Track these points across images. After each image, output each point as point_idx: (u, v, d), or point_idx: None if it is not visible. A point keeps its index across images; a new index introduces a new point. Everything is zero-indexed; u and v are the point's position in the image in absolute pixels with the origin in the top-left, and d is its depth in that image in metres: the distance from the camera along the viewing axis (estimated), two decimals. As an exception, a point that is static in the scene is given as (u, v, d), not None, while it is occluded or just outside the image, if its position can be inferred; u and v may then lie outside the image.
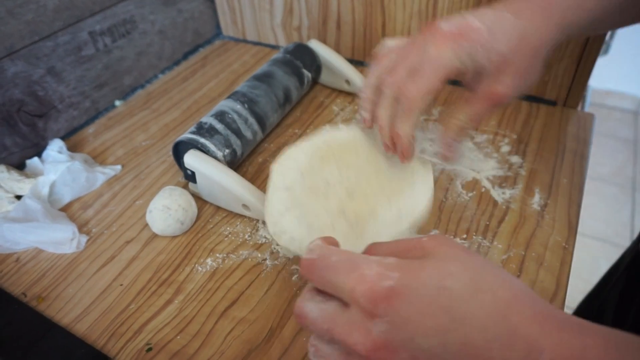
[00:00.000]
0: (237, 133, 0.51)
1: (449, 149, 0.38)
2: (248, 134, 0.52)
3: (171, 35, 0.75)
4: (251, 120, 0.52)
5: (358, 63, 0.72)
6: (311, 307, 0.26)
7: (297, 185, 0.38)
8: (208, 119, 0.50)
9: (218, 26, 0.83)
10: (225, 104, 0.53)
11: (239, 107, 0.52)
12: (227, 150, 0.49)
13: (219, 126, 0.50)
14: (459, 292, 0.23)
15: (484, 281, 0.23)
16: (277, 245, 0.45)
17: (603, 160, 1.79)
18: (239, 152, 0.51)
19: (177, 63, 0.77)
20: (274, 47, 0.79)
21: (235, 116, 0.51)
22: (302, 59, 0.61)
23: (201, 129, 0.49)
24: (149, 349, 0.38)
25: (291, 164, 0.39)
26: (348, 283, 0.24)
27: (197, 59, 0.78)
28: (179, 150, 0.50)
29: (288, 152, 0.40)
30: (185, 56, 0.79)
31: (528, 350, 0.22)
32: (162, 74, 0.75)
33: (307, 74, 0.61)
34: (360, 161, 0.40)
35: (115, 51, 0.66)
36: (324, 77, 0.66)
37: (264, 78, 0.57)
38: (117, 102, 0.69)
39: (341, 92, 0.66)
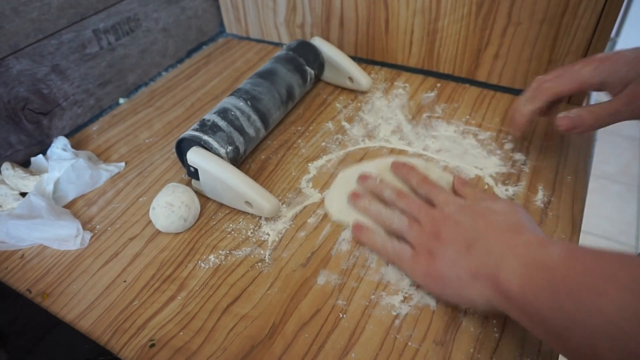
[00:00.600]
0: (240, 130, 0.51)
1: (569, 123, 0.45)
2: (251, 131, 0.52)
3: (175, 33, 0.75)
4: (254, 117, 0.52)
5: (361, 60, 0.72)
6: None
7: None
8: (211, 116, 0.50)
9: (221, 24, 0.83)
10: (228, 101, 0.53)
11: (241, 104, 0.52)
12: (230, 148, 0.49)
13: (222, 123, 0.50)
14: (462, 274, 0.37)
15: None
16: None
17: (608, 159, 1.78)
18: (241, 149, 0.51)
19: (180, 61, 0.77)
20: (277, 45, 0.79)
21: (238, 113, 0.51)
22: (305, 56, 0.61)
23: (204, 126, 0.49)
24: (152, 345, 0.38)
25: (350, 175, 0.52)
26: (409, 266, 0.41)
27: (201, 56, 0.78)
28: (181, 147, 0.50)
29: (353, 167, 0.53)
30: (189, 54, 0.79)
31: (539, 240, 0.34)
32: (165, 72, 0.75)
33: (310, 71, 0.61)
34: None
35: (119, 49, 0.66)
36: (327, 74, 0.66)
37: (267, 75, 0.57)
38: (121, 100, 0.69)
39: (344, 89, 0.66)
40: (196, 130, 0.49)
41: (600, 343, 0.26)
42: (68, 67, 0.60)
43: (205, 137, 0.48)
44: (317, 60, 0.63)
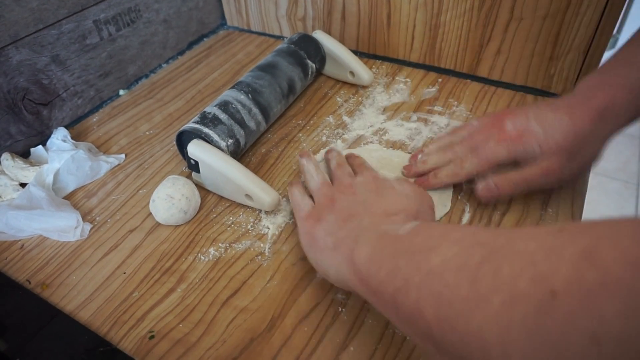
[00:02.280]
0: (241, 123, 0.50)
1: (488, 195, 0.45)
2: (251, 124, 0.52)
3: (175, 25, 0.74)
4: (255, 110, 0.52)
5: (362, 54, 0.72)
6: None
7: None
8: (212, 109, 0.50)
9: (223, 16, 0.83)
10: (229, 94, 0.53)
11: (242, 97, 0.52)
12: (230, 140, 0.49)
13: (222, 116, 0.49)
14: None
15: None
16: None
17: (607, 156, 1.77)
18: (242, 142, 0.51)
19: (181, 53, 0.77)
20: (279, 38, 0.78)
21: (239, 106, 0.51)
22: (306, 50, 0.61)
23: (205, 119, 0.49)
24: (152, 337, 0.38)
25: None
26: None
27: (202, 48, 0.77)
28: (182, 140, 0.50)
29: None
30: (190, 46, 0.78)
31: (402, 222, 0.35)
32: (166, 64, 0.74)
33: (312, 65, 0.61)
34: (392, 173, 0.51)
35: (119, 40, 0.66)
36: (328, 68, 0.66)
37: (268, 68, 0.57)
38: (122, 92, 0.69)
39: (345, 83, 0.66)
40: (197, 122, 0.49)
41: (423, 301, 0.25)
42: (68, 58, 0.60)
43: (206, 130, 0.48)
44: (318, 53, 0.62)
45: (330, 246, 0.36)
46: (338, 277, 0.35)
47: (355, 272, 0.32)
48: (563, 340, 0.18)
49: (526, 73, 0.61)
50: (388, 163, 0.52)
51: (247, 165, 0.54)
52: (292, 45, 0.61)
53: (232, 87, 0.54)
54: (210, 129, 0.48)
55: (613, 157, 1.78)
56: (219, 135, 0.48)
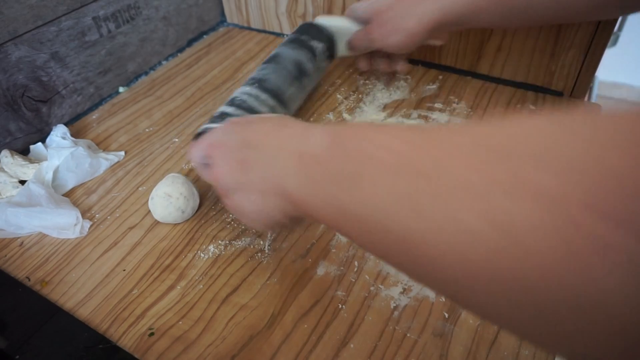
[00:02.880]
0: (251, 111, 0.49)
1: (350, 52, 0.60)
2: (264, 109, 0.50)
3: (175, 22, 0.74)
4: (264, 96, 0.51)
5: (363, 51, 0.71)
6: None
7: None
8: (220, 109, 0.49)
9: (222, 13, 0.83)
10: (235, 92, 0.52)
11: (247, 88, 0.51)
12: None
13: (229, 110, 0.48)
14: (270, 116, 0.36)
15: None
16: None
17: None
18: None
19: (181, 50, 0.77)
20: (279, 35, 0.78)
21: (245, 97, 0.50)
22: (307, 33, 0.58)
23: (214, 118, 0.48)
24: (152, 334, 0.38)
25: None
26: (212, 134, 0.38)
27: (202, 46, 0.77)
28: None
29: None
30: (190, 43, 0.78)
31: (302, 129, 0.31)
32: (165, 61, 0.74)
33: (317, 45, 0.58)
34: None
35: (119, 37, 0.66)
36: (342, 49, 0.61)
37: (271, 59, 0.56)
38: (121, 89, 0.68)
39: (346, 80, 0.66)
40: (209, 123, 0.47)
41: (368, 235, 0.24)
42: (67, 55, 0.60)
43: (214, 125, 0.46)
44: (322, 34, 0.59)
45: (259, 199, 0.32)
46: (286, 216, 0.32)
47: (293, 204, 0.30)
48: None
49: (527, 70, 0.61)
50: None
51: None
52: (293, 35, 0.60)
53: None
54: (218, 123, 0.46)
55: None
56: None
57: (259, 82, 0.52)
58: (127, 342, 0.38)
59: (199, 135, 0.46)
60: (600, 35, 0.54)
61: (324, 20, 0.60)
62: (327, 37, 0.59)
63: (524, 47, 0.59)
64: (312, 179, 0.28)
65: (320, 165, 0.27)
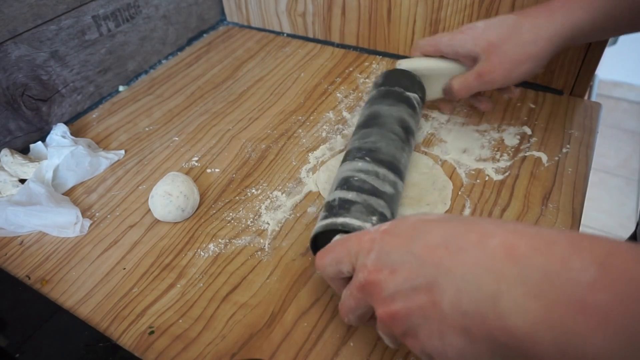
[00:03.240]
0: (375, 193, 0.40)
1: (447, 96, 0.52)
2: (387, 189, 0.41)
3: (175, 21, 0.74)
4: (382, 171, 0.41)
5: (362, 50, 0.71)
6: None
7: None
8: (334, 194, 0.40)
9: (222, 12, 0.83)
10: (343, 169, 0.43)
11: (360, 164, 0.42)
12: (374, 218, 0.38)
13: (350, 195, 0.39)
14: (431, 217, 0.29)
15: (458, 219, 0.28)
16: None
17: (609, 152, 1.78)
18: (387, 213, 0.39)
19: (181, 49, 0.77)
20: (279, 34, 0.78)
21: (362, 175, 0.41)
22: (399, 84, 0.50)
23: (332, 209, 0.39)
24: (152, 332, 0.38)
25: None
26: (354, 239, 0.31)
27: (201, 44, 0.77)
28: (318, 245, 0.38)
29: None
30: (190, 42, 0.78)
31: (481, 235, 0.25)
32: (165, 60, 0.74)
33: (414, 96, 0.50)
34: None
35: (118, 36, 0.66)
36: (434, 93, 0.54)
37: (371, 121, 0.47)
38: (121, 88, 0.68)
39: (345, 79, 0.66)
40: (325, 217, 0.39)
41: None
42: (67, 54, 0.60)
43: (342, 220, 0.37)
44: (415, 82, 0.51)
45: (456, 339, 0.24)
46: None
47: (510, 341, 0.22)
48: None
49: (527, 68, 0.61)
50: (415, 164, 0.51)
51: (246, 162, 0.54)
52: (382, 87, 0.50)
53: (344, 161, 0.44)
54: (345, 216, 0.37)
55: (614, 154, 1.77)
56: (359, 219, 0.37)
57: (370, 154, 0.43)
58: (127, 341, 0.38)
59: (315, 239, 0.39)
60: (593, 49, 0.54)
61: (409, 64, 0.52)
62: (420, 85, 0.51)
63: (524, 45, 0.59)
64: (566, 325, 0.20)
65: (589, 306, 0.20)
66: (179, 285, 0.42)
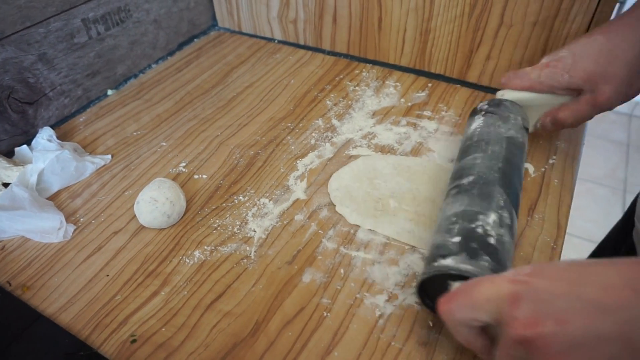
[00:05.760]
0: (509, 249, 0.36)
1: (544, 130, 0.50)
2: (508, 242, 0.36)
3: (166, 25, 0.74)
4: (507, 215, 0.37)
5: (353, 58, 0.72)
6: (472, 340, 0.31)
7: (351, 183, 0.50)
8: (487, 220, 0.36)
9: (214, 17, 0.83)
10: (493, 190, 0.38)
11: (499, 203, 0.37)
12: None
13: (502, 232, 0.35)
14: (587, 261, 0.26)
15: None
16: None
17: (596, 162, 1.80)
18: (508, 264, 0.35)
19: (171, 53, 0.76)
20: (270, 40, 0.78)
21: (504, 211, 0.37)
22: (515, 126, 0.45)
23: (469, 243, 0.34)
24: (134, 341, 0.38)
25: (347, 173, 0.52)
26: (491, 286, 0.28)
27: (192, 49, 0.77)
28: (427, 289, 0.36)
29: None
30: (180, 47, 0.78)
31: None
32: (155, 64, 0.74)
33: (525, 139, 0.46)
34: (418, 183, 0.50)
35: (108, 39, 0.65)
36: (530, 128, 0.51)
37: (507, 165, 0.41)
38: (110, 92, 0.68)
39: (335, 86, 0.66)
40: (455, 254, 0.34)
41: None
42: (55, 57, 0.59)
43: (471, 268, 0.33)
44: (525, 121, 0.48)
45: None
46: None
47: None
48: None
49: (515, 79, 0.61)
50: (405, 170, 0.51)
51: (234, 168, 0.54)
52: (504, 125, 0.45)
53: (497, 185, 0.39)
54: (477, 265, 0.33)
55: (602, 164, 1.80)
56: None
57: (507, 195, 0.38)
58: (108, 349, 0.37)
59: (436, 280, 0.34)
60: (586, 46, 0.55)
61: (512, 95, 0.49)
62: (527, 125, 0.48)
63: (513, 56, 0.60)
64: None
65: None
66: (163, 293, 0.41)
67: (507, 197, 0.38)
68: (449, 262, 0.33)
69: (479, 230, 0.35)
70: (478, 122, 0.47)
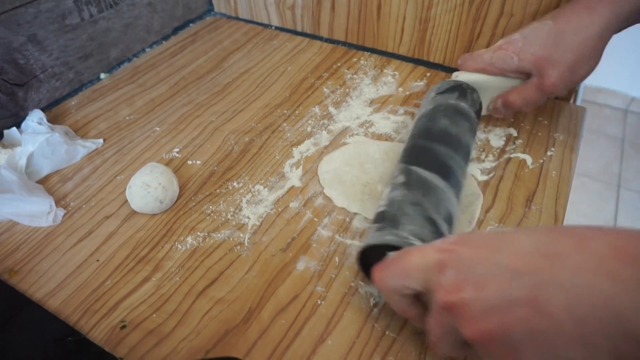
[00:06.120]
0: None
1: (496, 113, 0.51)
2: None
3: (161, 9, 0.72)
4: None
5: (351, 46, 0.71)
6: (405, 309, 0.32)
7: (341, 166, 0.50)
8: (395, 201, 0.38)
9: (210, 2, 0.81)
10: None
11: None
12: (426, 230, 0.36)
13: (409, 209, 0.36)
14: (510, 230, 0.27)
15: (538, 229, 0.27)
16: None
17: (591, 157, 1.80)
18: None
19: (166, 38, 0.75)
20: (267, 26, 0.77)
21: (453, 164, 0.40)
22: (465, 97, 0.47)
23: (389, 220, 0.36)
24: (123, 327, 0.37)
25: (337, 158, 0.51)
26: (420, 255, 0.29)
27: (187, 34, 0.76)
28: (367, 259, 0.37)
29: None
30: (175, 31, 0.76)
31: (578, 238, 0.24)
32: (150, 48, 0.72)
33: (474, 116, 0.47)
34: None
35: (101, 22, 0.64)
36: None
37: (443, 137, 0.42)
38: (102, 75, 0.67)
39: (333, 74, 0.65)
40: (381, 229, 0.36)
41: None
42: (46, 38, 0.58)
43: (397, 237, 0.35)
44: (476, 98, 0.48)
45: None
46: None
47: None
48: None
49: (514, 70, 0.61)
50: (396, 156, 0.49)
51: (229, 155, 0.53)
52: (453, 98, 0.46)
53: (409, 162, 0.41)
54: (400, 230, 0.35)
55: (595, 159, 1.80)
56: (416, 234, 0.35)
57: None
58: (97, 335, 0.36)
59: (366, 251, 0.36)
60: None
61: (465, 77, 0.50)
62: (479, 102, 0.49)
63: (512, 46, 0.59)
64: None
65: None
66: (154, 279, 0.40)
67: (412, 158, 0.41)
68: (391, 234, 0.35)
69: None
70: (425, 103, 0.49)
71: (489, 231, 0.28)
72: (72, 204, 0.47)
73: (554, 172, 0.49)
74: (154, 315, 0.38)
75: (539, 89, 0.45)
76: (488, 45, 0.60)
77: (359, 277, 0.40)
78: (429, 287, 0.28)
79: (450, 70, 0.64)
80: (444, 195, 0.38)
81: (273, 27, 0.76)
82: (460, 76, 0.51)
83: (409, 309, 0.32)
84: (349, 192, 0.47)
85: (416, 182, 0.38)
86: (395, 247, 0.33)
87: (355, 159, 0.50)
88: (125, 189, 0.47)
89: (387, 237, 0.35)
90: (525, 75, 0.47)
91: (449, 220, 0.37)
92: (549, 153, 0.52)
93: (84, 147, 0.53)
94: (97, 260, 0.42)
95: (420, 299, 0.31)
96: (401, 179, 0.39)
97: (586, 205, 1.63)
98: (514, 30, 0.56)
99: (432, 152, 0.41)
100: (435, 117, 0.45)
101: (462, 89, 0.48)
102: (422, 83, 0.63)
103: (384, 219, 0.37)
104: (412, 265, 0.29)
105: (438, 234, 0.35)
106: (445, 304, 0.26)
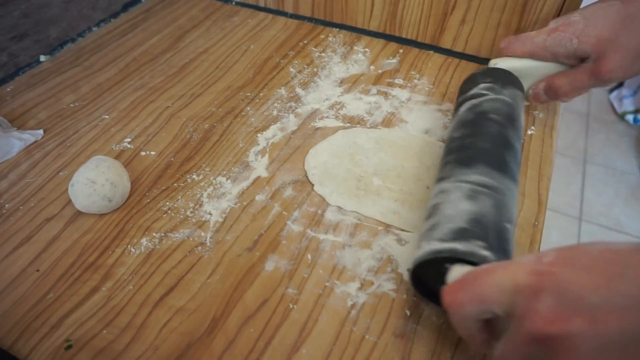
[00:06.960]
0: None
1: (535, 99, 0.47)
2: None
3: (106, -18, 0.65)
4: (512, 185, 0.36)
5: (318, 22, 0.66)
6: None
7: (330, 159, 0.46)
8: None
9: (162, -25, 0.74)
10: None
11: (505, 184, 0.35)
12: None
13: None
14: (623, 248, 0.22)
15: None
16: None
17: (558, 133, 1.82)
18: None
19: (114, 15, 0.68)
20: (226, 2, 0.71)
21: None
22: (513, 96, 0.42)
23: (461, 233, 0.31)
24: (69, 347, 0.32)
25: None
26: (505, 275, 0.25)
27: (139, 11, 0.69)
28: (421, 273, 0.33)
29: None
30: (125, 8, 0.70)
31: None
32: (96, 27, 0.66)
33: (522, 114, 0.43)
34: (403, 159, 0.46)
35: (36, -3, 0.57)
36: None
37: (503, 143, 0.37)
38: (42, 57, 0.60)
39: (299, 52, 0.60)
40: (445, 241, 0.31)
41: None
42: (-29, 15, 0.51)
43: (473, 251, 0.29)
44: (520, 91, 0.44)
45: None
46: None
47: None
48: None
49: (491, 45, 0.57)
50: (389, 145, 0.47)
51: (187, 144, 0.48)
52: (500, 94, 0.41)
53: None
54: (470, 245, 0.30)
55: (562, 134, 1.82)
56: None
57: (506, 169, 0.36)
58: (38, 358, 0.32)
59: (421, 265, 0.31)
60: (567, 9, 0.51)
61: (507, 64, 0.46)
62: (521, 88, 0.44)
63: (489, 20, 0.56)
64: None
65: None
66: (104, 289, 0.36)
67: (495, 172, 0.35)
68: (454, 245, 0.30)
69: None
70: (471, 96, 0.43)
71: (598, 247, 0.23)
72: (7, 205, 0.42)
73: (535, 153, 0.47)
74: (105, 331, 0.33)
75: (594, 74, 0.41)
76: (463, 20, 0.57)
77: (335, 275, 0.37)
78: (514, 313, 0.24)
79: (424, 47, 0.61)
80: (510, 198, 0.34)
81: (233, 3, 0.71)
82: (499, 63, 0.46)
83: (477, 334, 0.28)
84: (342, 188, 0.43)
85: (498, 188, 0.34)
86: (457, 260, 0.29)
87: (345, 150, 0.46)
88: (68, 187, 0.42)
89: (457, 248, 0.29)
90: (578, 61, 0.43)
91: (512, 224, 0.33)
92: (529, 132, 0.49)
93: (20, 139, 0.47)
94: (37, 270, 0.37)
95: (491, 322, 0.27)
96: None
97: (554, 181, 1.64)
98: (491, 3, 0.53)
99: (492, 153, 0.36)
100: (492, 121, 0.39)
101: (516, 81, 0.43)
102: (394, 60, 0.59)
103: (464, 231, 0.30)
104: (495, 286, 0.25)
105: (507, 242, 0.31)
106: (542, 335, 0.22)
